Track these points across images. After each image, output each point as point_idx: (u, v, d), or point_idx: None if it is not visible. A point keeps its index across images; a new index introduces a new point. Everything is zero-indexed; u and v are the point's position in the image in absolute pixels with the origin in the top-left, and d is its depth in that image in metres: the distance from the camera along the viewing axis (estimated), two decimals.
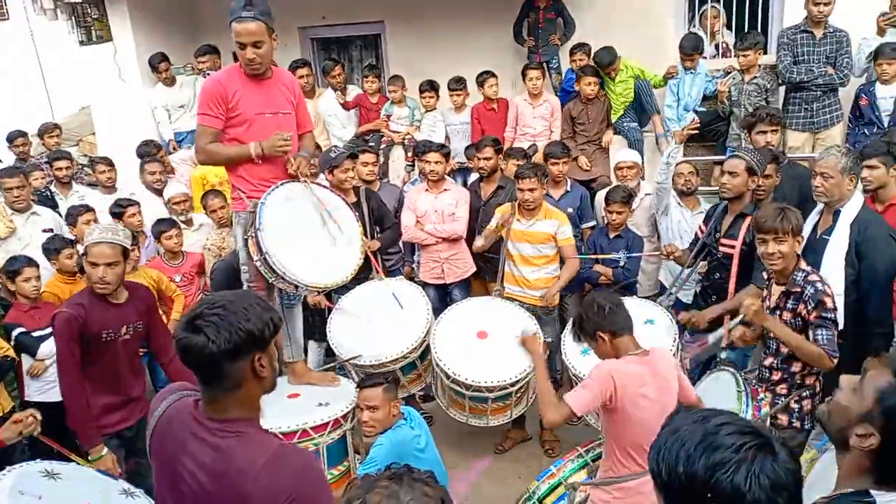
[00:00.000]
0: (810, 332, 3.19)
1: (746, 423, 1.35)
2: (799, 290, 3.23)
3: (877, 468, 1.56)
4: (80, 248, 5.11)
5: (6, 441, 2.93)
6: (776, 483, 1.25)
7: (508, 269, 4.74)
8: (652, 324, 4.06)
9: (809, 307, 3.18)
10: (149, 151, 6.62)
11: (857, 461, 1.57)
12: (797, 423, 3.31)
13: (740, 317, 3.51)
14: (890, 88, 5.47)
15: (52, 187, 6.39)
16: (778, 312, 3.34)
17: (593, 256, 4.89)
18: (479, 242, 4.83)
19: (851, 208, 3.64)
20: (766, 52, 6.42)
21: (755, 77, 5.78)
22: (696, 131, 5.47)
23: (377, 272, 4.61)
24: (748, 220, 3.92)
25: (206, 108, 3.39)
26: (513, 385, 4.07)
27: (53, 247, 4.83)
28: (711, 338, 3.96)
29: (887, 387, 1.55)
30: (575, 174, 6.02)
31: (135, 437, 3.52)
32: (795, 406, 3.32)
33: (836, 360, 3.14)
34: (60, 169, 6.29)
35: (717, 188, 4.29)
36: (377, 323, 4.33)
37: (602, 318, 2.91)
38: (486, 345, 4.24)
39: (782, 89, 5.98)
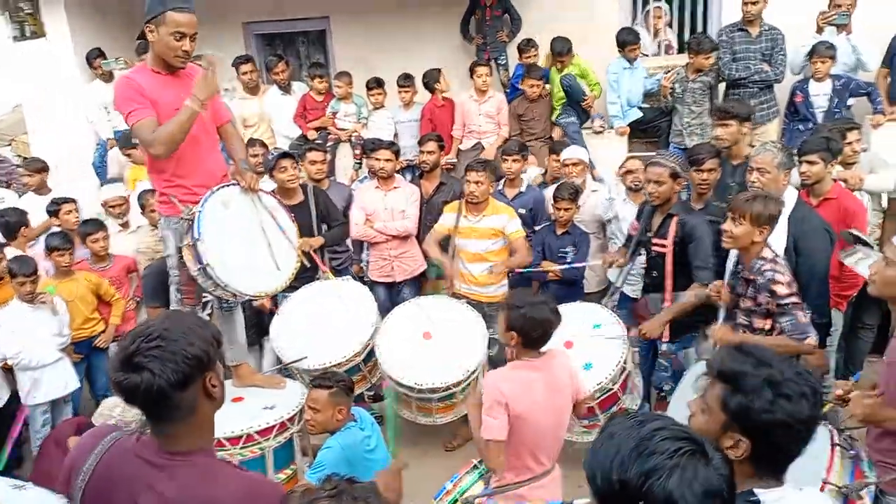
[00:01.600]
0: (776, 321, 3.25)
1: (681, 428, 1.35)
2: (754, 278, 3.30)
3: (756, 467, 1.60)
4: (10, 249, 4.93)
5: None
6: (708, 489, 1.26)
7: (459, 267, 4.72)
8: (599, 328, 4.09)
9: (766, 297, 3.24)
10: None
11: (738, 469, 1.58)
12: None
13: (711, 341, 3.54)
14: (823, 85, 5.65)
15: None
16: (742, 299, 3.41)
17: (540, 269, 4.83)
18: (433, 251, 4.77)
19: (787, 203, 3.73)
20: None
21: (700, 75, 5.90)
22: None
23: (322, 270, 4.55)
24: (675, 219, 4.02)
25: (131, 104, 3.18)
26: (456, 385, 4.06)
27: None
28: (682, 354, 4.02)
29: (725, 393, 1.61)
30: None
31: None
32: None
33: (810, 340, 3.18)
34: None
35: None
36: (322, 326, 4.26)
37: (524, 327, 2.88)
38: (431, 346, 4.22)
39: (722, 86, 6.12)
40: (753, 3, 5.70)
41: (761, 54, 5.79)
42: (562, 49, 6.23)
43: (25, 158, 7.02)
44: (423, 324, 4.31)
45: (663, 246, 4.07)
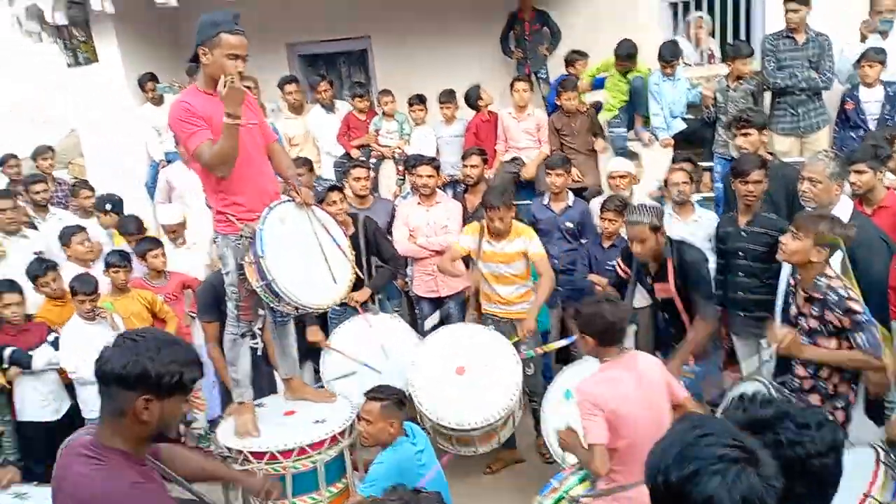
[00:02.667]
0: (851, 339, 3.17)
1: (733, 434, 1.34)
2: (821, 296, 3.21)
3: None
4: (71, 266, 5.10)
5: None
6: (749, 498, 1.24)
7: (484, 288, 4.64)
8: None
9: (839, 314, 3.16)
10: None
11: None
12: None
13: (772, 348, 3.46)
14: (874, 92, 5.53)
15: (30, 211, 6.17)
16: (802, 318, 3.33)
17: (541, 350, 4.61)
18: (445, 265, 4.71)
19: (842, 213, 3.64)
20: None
21: (741, 83, 5.83)
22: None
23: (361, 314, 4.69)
24: (670, 262, 3.95)
25: (189, 127, 3.22)
26: (497, 421, 4.01)
27: (32, 274, 4.79)
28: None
29: (729, 404, 1.60)
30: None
31: None
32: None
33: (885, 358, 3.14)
34: (38, 192, 6.11)
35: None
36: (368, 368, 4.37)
37: (593, 327, 2.97)
38: (465, 381, 4.14)
39: (769, 95, 6.03)
40: (795, 11, 5.60)
41: (808, 61, 5.68)
42: (630, 53, 6.19)
43: (77, 180, 7.25)
44: (456, 357, 4.23)
45: (668, 290, 4.01)
